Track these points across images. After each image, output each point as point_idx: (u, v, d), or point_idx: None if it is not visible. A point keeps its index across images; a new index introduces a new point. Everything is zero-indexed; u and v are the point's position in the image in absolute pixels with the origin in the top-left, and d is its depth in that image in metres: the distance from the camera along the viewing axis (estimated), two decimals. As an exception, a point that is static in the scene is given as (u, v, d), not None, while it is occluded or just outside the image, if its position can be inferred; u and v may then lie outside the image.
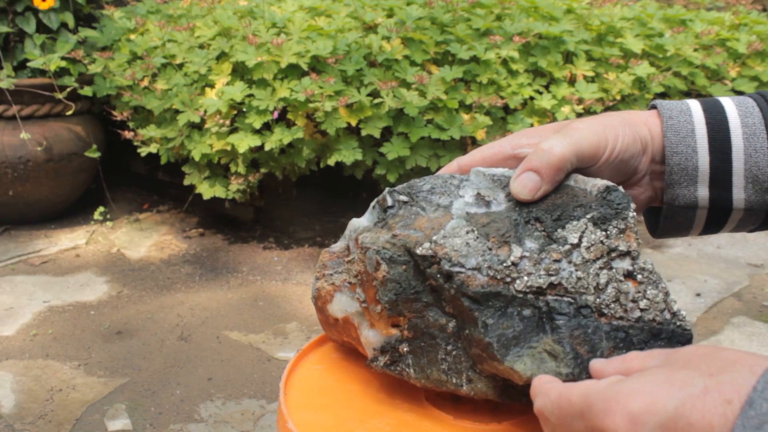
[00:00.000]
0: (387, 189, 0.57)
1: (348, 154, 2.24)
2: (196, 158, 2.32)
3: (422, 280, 0.52)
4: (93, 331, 2.05)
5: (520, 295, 0.50)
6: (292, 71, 2.27)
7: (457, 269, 0.50)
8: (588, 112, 2.36)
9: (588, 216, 0.52)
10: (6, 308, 2.17)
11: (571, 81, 2.47)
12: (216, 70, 2.34)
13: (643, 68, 2.49)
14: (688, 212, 0.59)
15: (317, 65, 2.27)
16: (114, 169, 3.11)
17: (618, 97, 2.46)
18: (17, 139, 2.61)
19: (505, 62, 2.37)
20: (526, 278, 0.50)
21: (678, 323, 0.50)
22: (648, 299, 0.50)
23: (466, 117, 2.28)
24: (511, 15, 2.52)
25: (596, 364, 0.47)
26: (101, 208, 2.84)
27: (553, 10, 2.59)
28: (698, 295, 2.38)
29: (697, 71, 2.69)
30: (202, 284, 2.38)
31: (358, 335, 0.56)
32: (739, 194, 0.57)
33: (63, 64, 2.56)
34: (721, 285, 2.46)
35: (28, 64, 2.60)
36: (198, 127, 2.38)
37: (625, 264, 0.51)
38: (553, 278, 0.50)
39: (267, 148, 2.21)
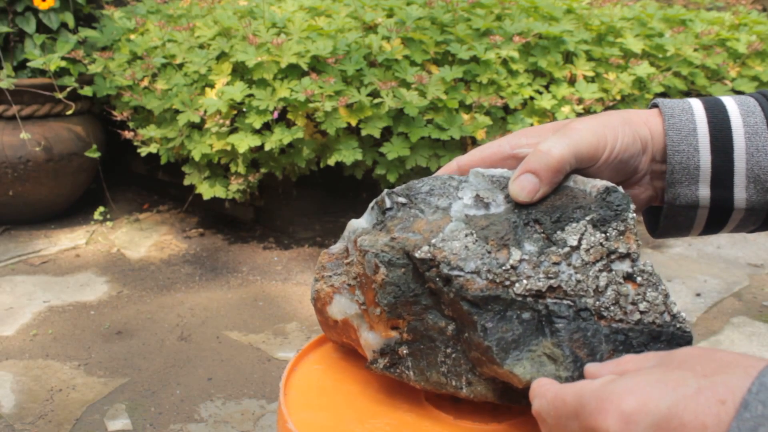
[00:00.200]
0: (385, 190, 0.56)
1: (348, 154, 2.24)
2: (196, 158, 2.32)
3: (421, 282, 0.52)
4: (93, 331, 2.05)
5: (520, 299, 0.49)
6: (292, 71, 2.27)
7: (456, 273, 0.50)
8: (588, 112, 2.36)
9: (587, 218, 0.51)
10: (6, 308, 2.17)
11: (571, 81, 2.47)
12: (216, 70, 2.34)
13: (643, 68, 2.49)
14: (689, 212, 0.58)
15: (317, 65, 2.27)
16: (114, 169, 3.11)
17: (618, 97, 2.46)
18: (17, 139, 2.61)
19: (505, 62, 2.37)
20: (525, 281, 0.50)
21: (678, 325, 0.50)
22: (648, 301, 0.50)
23: (466, 117, 2.28)
24: (511, 15, 2.52)
25: (591, 368, 0.47)
26: (101, 208, 2.84)
27: (553, 10, 2.59)
28: (698, 295, 2.38)
29: (697, 71, 2.69)
30: (202, 284, 2.38)
31: (357, 337, 0.56)
32: (740, 194, 0.56)
33: (63, 64, 2.56)
34: (721, 285, 2.46)
35: (28, 64, 2.60)
36: (198, 127, 2.38)
37: (624, 266, 0.51)
38: (552, 281, 0.50)
39: (267, 148, 2.21)
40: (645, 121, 0.57)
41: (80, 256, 2.58)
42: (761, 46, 2.74)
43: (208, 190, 2.42)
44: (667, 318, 0.50)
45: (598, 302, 0.50)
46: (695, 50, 2.67)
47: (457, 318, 0.51)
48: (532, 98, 2.38)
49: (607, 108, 2.41)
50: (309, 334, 2.06)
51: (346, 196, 2.81)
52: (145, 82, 2.47)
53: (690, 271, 2.57)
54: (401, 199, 0.55)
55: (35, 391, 1.75)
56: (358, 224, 0.57)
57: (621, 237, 0.51)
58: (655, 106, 0.59)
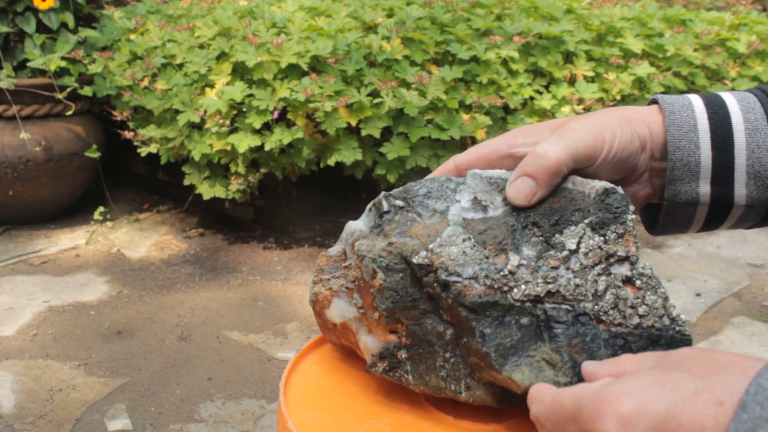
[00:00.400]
0: (383, 193, 0.56)
1: (348, 154, 2.24)
2: (196, 158, 2.32)
3: (419, 287, 0.52)
4: (93, 331, 2.05)
5: (518, 304, 0.49)
6: (292, 71, 2.27)
7: (453, 279, 0.49)
8: (588, 112, 2.36)
9: (586, 221, 0.51)
10: (6, 308, 2.17)
11: (571, 81, 2.47)
12: (216, 70, 2.34)
13: (643, 68, 2.49)
14: (689, 209, 0.58)
15: (317, 65, 2.27)
16: (114, 169, 3.11)
17: (618, 97, 2.46)
18: (17, 139, 2.61)
19: (505, 62, 2.37)
20: (523, 287, 0.49)
21: (677, 329, 0.50)
22: (647, 305, 0.50)
23: (466, 117, 2.28)
24: (511, 15, 2.52)
25: (588, 366, 0.47)
26: (101, 208, 2.84)
27: (553, 10, 2.59)
28: (698, 295, 2.38)
29: (697, 71, 2.69)
30: (202, 284, 2.39)
31: (356, 340, 0.56)
32: (740, 191, 0.56)
33: (63, 64, 2.56)
34: (721, 285, 2.46)
35: (28, 64, 2.60)
36: (198, 127, 2.38)
37: (623, 269, 0.50)
38: (550, 286, 0.49)
39: (267, 148, 2.21)
40: (643, 118, 0.57)
41: (80, 256, 2.58)
42: (761, 46, 2.74)
43: (208, 190, 2.42)
44: (666, 321, 0.50)
45: (596, 306, 0.49)
46: (695, 50, 2.67)
47: (456, 323, 0.51)
48: (532, 98, 2.38)
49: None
50: (309, 334, 2.06)
51: (346, 196, 2.81)
52: (145, 82, 2.47)
53: (690, 271, 2.57)
54: (398, 202, 0.55)
55: (35, 391, 1.75)
56: (355, 226, 0.57)
57: (620, 240, 0.51)
58: (654, 102, 0.58)
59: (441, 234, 0.51)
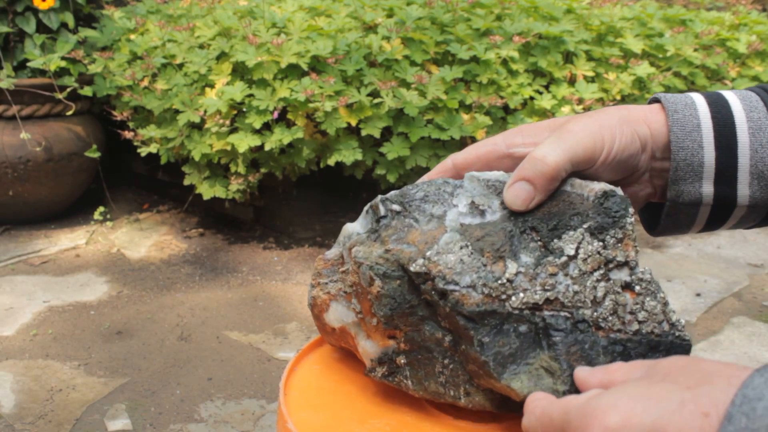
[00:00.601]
0: (379, 196, 0.55)
1: (348, 154, 2.24)
2: (196, 158, 2.32)
3: (417, 294, 0.51)
4: (93, 331, 2.06)
5: (516, 312, 0.49)
6: (292, 71, 2.27)
7: (451, 287, 0.49)
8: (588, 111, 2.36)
9: (585, 225, 0.51)
10: (6, 308, 2.17)
11: (571, 81, 2.47)
12: (216, 70, 2.34)
13: (643, 68, 2.49)
14: (691, 209, 0.57)
15: (317, 65, 2.27)
16: (114, 169, 3.11)
17: (618, 97, 2.46)
18: (17, 139, 2.61)
19: (505, 62, 2.37)
20: (521, 294, 0.49)
21: (677, 334, 0.50)
22: (646, 311, 0.49)
23: (466, 117, 2.28)
24: (511, 15, 2.52)
25: (580, 373, 0.47)
26: (101, 208, 2.84)
27: (553, 10, 2.59)
28: (698, 295, 2.38)
29: (697, 71, 2.69)
30: (202, 284, 2.39)
31: (355, 344, 0.56)
32: (743, 190, 0.55)
33: (63, 64, 2.56)
34: (721, 285, 2.47)
35: (28, 64, 2.60)
36: (198, 127, 2.38)
37: (623, 275, 0.50)
38: (549, 293, 0.49)
39: (267, 148, 2.21)
40: (644, 118, 0.56)
41: (80, 256, 2.58)
42: (761, 46, 2.74)
43: (208, 190, 2.43)
44: (666, 327, 0.49)
45: (595, 313, 0.49)
46: (695, 50, 2.67)
47: (454, 331, 0.51)
48: (532, 98, 2.38)
49: (607, 108, 2.41)
50: (309, 334, 2.06)
51: (346, 196, 2.81)
52: (145, 82, 2.47)
53: (690, 271, 2.57)
54: (395, 207, 0.54)
55: (35, 391, 1.75)
56: (353, 229, 0.56)
57: (619, 245, 0.50)
58: (656, 100, 0.57)
59: (438, 241, 0.50)
